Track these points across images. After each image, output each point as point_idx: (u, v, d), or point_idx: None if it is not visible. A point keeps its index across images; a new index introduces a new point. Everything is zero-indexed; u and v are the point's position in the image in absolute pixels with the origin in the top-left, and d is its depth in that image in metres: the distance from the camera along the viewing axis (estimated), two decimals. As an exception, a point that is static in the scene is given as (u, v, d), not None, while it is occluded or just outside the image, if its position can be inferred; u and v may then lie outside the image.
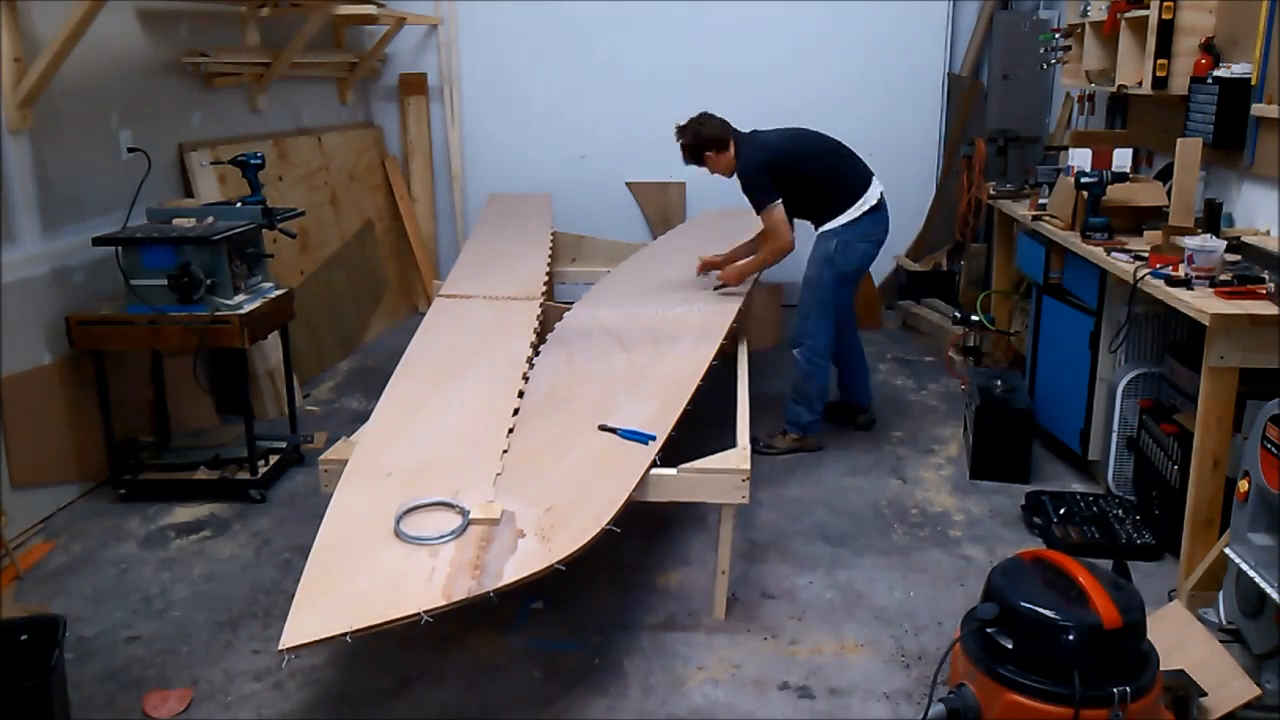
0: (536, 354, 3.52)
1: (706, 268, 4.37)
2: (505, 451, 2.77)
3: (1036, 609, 2.04)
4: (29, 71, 3.43)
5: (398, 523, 2.37)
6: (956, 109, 6.33)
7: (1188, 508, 2.92)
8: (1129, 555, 3.13)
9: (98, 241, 3.59)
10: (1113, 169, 3.79)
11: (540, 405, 3.08)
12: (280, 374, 4.42)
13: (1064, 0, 5.32)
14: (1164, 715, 2.17)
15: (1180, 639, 2.49)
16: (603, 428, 2.86)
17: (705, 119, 4.17)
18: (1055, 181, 4.15)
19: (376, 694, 2.60)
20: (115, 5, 3.77)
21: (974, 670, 2.12)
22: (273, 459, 3.93)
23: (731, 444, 2.93)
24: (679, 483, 2.74)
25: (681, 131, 4.20)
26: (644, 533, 3.40)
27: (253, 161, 4.10)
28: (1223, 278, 2.93)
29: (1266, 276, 2.89)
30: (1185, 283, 2.96)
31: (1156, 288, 3.03)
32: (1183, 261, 3.04)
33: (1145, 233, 3.61)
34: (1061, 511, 3.45)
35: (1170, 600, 2.83)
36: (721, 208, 6.09)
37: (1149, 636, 2.12)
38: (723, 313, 3.86)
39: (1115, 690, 1.97)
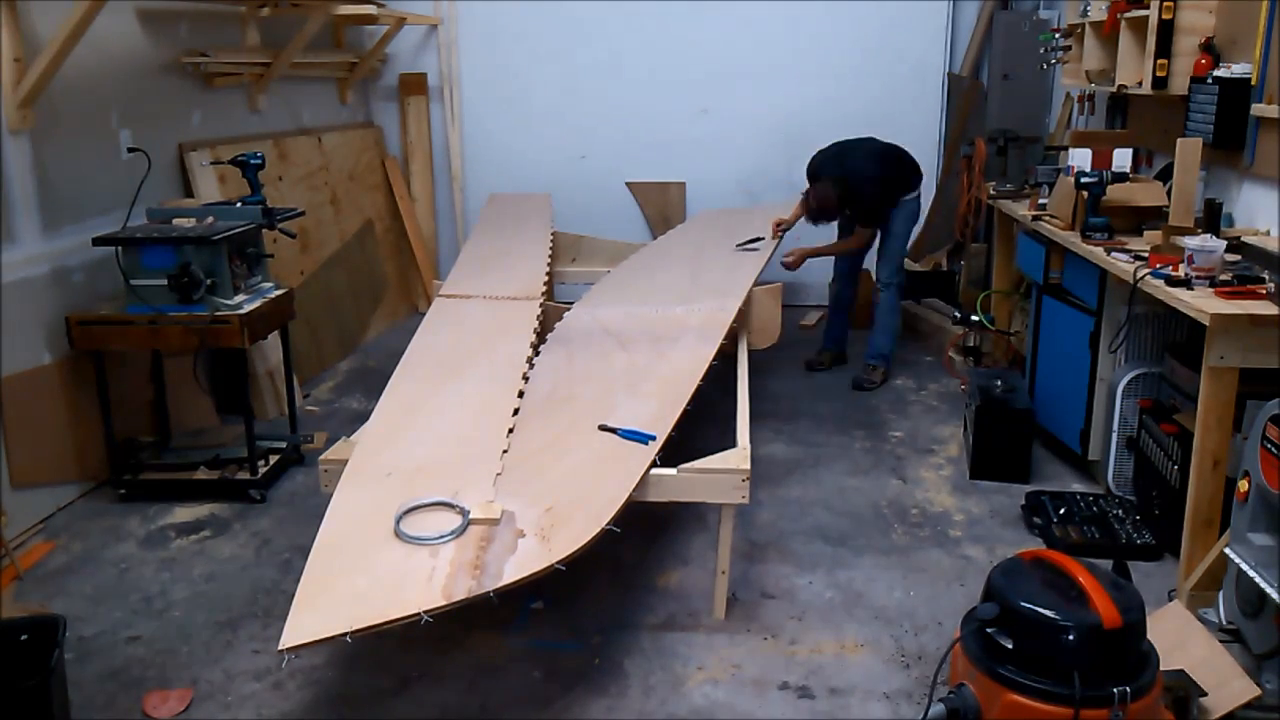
0: (536, 354, 3.52)
1: (780, 229, 4.95)
2: (505, 451, 2.77)
3: (1036, 609, 2.04)
4: (29, 71, 3.43)
5: (398, 523, 2.37)
6: (956, 109, 6.33)
7: (1188, 508, 2.92)
8: (1129, 555, 3.13)
9: (98, 241, 3.59)
10: (1113, 169, 3.78)
11: (540, 405, 3.08)
12: (280, 374, 4.42)
13: (1064, 0, 5.32)
14: (1164, 715, 2.17)
15: (1180, 639, 2.49)
16: (603, 428, 2.86)
17: (835, 181, 4.80)
18: (1055, 181, 4.15)
19: (376, 694, 2.60)
20: (115, 5, 3.77)
21: (974, 670, 2.12)
22: (273, 459, 3.93)
23: (731, 444, 2.93)
24: (679, 483, 2.74)
25: (821, 197, 4.83)
26: (644, 533, 3.40)
27: (253, 161, 4.10)
28: (1223, 278, 2.93)
29: (1266, 276, 2.89)
30: (1185, 283, 2.95)
31: (1156, 288, 3.03)
32: (1183, 261, 3.03)
33: (1145, 233, 3.61)
34: (1061, 511, 3.45)
35: (1170, 600, 2.83)
36: (721, 207, 6.12)
37: (1149, 636, 2.12)
38: (723, 313, 3.86)
39: (1115, 690, 1.97)
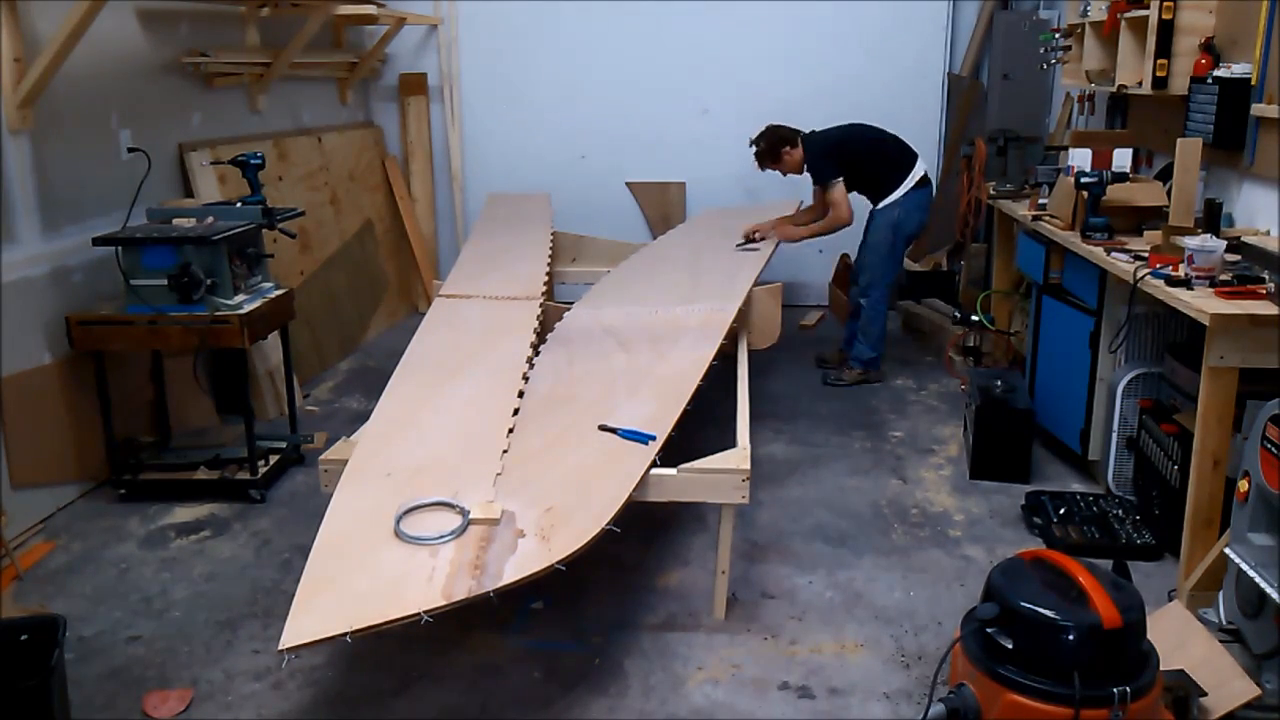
0: (536, 354, 3.52)
1: (752, 234, 4.91)
2: (505, 451, 2.77)
3: (1036, 609, 2.04)
4: (29, 71, 3.43)
5: (398, 523, 2.37)
6: (956, 109, 6.33)
7: (1188, 508, 2.92)
8: (1129, 555, 3.13)
9: (98, 241, 3.59)
10: (1113, 169, 3.78)
11: (540, 405, 3.08)
12: (280, 374, 4.42)
13: (1064, 0, 5.32)
14: (1164, 715, 2.17)
15: (1180, 639, 2.49)
16: (603, 428, 2.86)
17: (775, 126, 4.96)
18: (1055, 181, 4.15)
19: (376, 694, 2.60)
20: (115, 5, 3.77)
21: (974, 670, 2.12)
22: (273, 459, 3.93)
23: (731, 444, 2.93)
24: (679, 483, 2.74)
25: (757, 140, 4.95)
26: (644, 533, 3.40)
27: (253, 161, 4.10)
28: (1223, 278, 2.93)
29: (1266, 276, 2.89)
30: (1185, 283, 2.96)
31: (1156, 288, 3.03)
32: (1183, 261, 3.03)
33: (1145, 233, 3.61)
34: (1061, 511, 3.45)
35: (1170, 600, 2.83)
36: (721, 207, 6.11)
37: (1149, 636, 2.12)
38: (723, 313, 3.86)
39: (1115, 690, 1.97)
